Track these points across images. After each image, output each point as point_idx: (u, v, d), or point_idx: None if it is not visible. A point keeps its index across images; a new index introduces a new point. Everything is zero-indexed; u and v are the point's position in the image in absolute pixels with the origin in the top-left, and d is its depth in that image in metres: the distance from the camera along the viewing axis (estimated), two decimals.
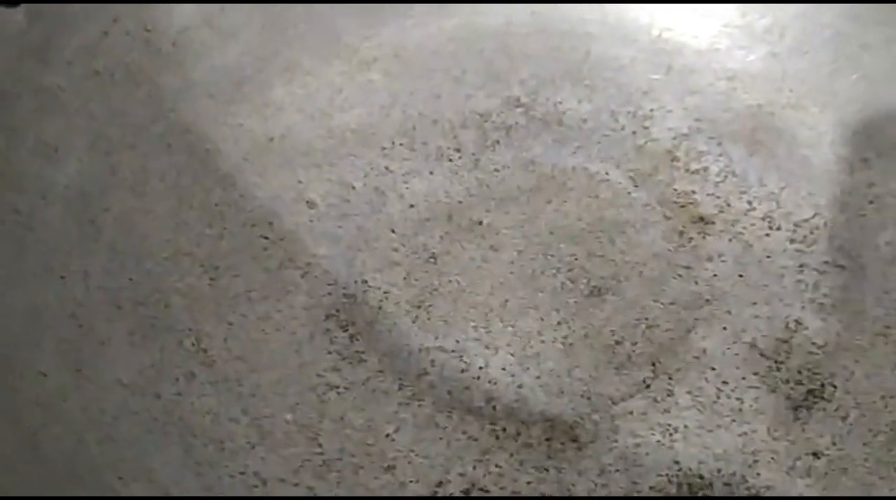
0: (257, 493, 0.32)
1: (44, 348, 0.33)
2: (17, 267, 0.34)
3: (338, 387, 0.34)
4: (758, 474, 0.33)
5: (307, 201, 0.38)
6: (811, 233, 0.37)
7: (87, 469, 0.30)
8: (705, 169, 0.39)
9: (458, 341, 0.35)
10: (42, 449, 0.30)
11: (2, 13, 0.34)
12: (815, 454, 0.33)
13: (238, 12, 0.41)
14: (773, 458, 0.33)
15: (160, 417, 0.33)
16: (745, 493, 0.32)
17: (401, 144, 0.40)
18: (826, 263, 0.37)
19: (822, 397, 0.34)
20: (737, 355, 0.35)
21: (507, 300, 0.36)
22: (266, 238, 0.37)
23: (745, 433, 0.33)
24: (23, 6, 0.35)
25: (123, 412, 0.33)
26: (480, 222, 0.38)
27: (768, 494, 0.32)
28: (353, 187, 0.39)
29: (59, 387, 0.32)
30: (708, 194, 0.38)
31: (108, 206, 0.37)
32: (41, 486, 0.30)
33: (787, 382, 0.34)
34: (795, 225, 0.38)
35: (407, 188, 0.39)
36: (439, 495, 0.32)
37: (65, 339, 0.33)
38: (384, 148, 0.40)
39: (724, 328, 0.35)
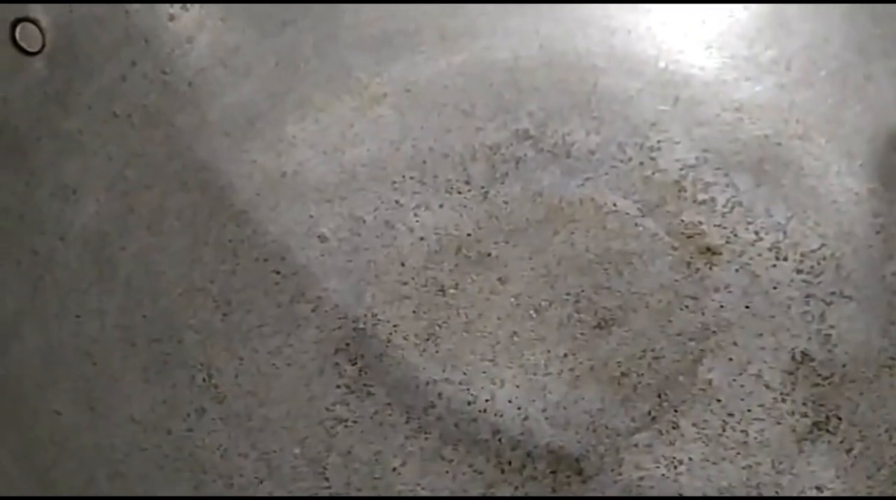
0: None
1: (59, 387, 0.34)
2: (34, 307, 0.35)
3: (346, 420, 0.35)
4: None
5: (319, 236, 0.39)
6: (818, 264, 0.37)
7: None
8: (712, 200, 0.39)
9: (465, 374, 0.36)
10: (54, 486, 0.31)
11: (23, 62, 0.35)
12: (819, 488, 0.33)
13: (252, 51, 0.41)
14: (776, 492, 0.33)
15: (170, 453, 0.34)
16: None
17: (411, 178, 0.40)
18: (833, 293, 0.37)
19: (827, 430, 0.34)
20: (742, 386, 0.35)
21: (514, 333, 0.37)
22: (278, 273, 0.38)
23: (750, 466, 0.33)
24: (43, 54, 0.36)
25: (134, 449, 0.33)
26: (489, 255, 0.38)
27: None
28: (364, 221, 0.39)
29: (72, 424, 0.33)
30: (715, 225, 0.38)
31: (124, 245, 0.37)
32: None
33: (793, 414, 0.34)
34: (802, 255, 0.38)
35: (417, 221, 0.39)
36: None
37: (79, 377, 0.34)
38: (395, 182, 0.40)
39: (731, 360, 0.36)
